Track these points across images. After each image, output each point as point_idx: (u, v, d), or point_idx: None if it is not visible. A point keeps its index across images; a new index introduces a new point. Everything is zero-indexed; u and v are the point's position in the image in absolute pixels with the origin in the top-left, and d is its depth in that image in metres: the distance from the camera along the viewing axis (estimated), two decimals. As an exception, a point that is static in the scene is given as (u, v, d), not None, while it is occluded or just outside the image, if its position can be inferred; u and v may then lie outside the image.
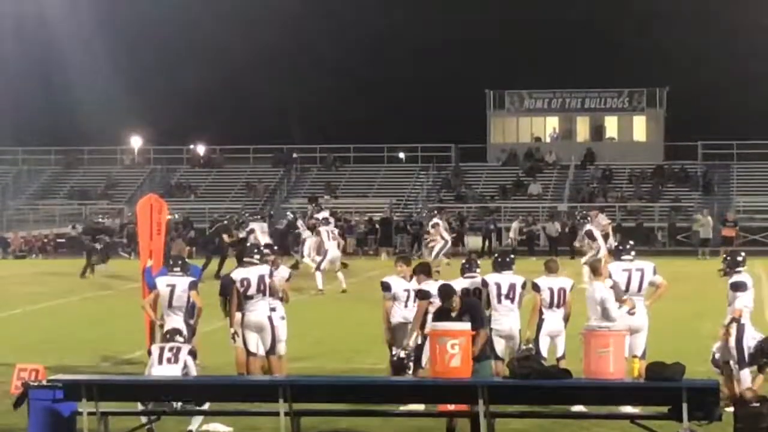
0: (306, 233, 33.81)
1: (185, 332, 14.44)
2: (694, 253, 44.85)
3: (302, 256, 34.11)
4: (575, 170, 59.14)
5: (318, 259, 30.33)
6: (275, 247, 18.16)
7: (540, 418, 12.70)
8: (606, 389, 11.76)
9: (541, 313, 14.86)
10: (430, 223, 36.76)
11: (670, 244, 50.50)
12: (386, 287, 14.92)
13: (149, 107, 69.13)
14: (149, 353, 13.29)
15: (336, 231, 32.65)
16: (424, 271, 14.75)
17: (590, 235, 30.17)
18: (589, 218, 32.25)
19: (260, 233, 34.47)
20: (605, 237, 41.87)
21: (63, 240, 51.47)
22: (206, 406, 12.79)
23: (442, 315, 13.11)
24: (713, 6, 69.41)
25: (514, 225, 48.83)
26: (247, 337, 15.11)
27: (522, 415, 12.32)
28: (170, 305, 15.24)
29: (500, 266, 14.93)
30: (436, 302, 14.13)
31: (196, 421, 13.00)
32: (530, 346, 14.64)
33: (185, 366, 12.97)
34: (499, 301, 14.67)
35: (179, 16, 69.08)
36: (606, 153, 60.00)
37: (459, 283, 14.42)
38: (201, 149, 66.37)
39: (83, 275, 35.83)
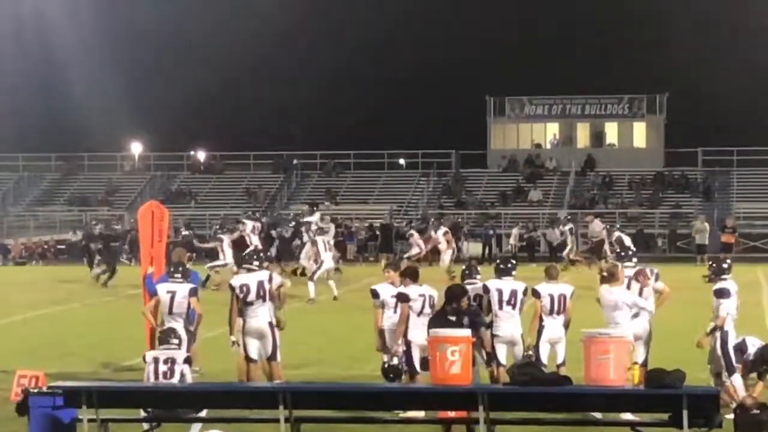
0: (306, 238, 33.77)
1: (181, 334, 14.41)
2: (695, 259, 44.86)
3: (298, 260, 34.16)
4: (575, 177, 59.16)
5: (314, 267, 30.18)
6: (267, 253, 18.16)
7: (540, 425, 12.67)
8: (606, 396, 11.75)
9: (541, 319, 14.89)
10: (441, 231, 36.70)
11: (670, 251, 50.50)
12: (374, 294, 15.01)
13: (149, 114, 69.20)
14: (144, 359, 13.23)
15: (332, 242, 32.49)
16: (410, 274, 14.78)
17: (620, 241, 29.89)
18: (617, 226, 32.21)
19: (251, 233, 34.50)
20: (600, 244, 42.06)
21: (63, 246, 51.46)
22: (204, 413, 12.78)
23: (440, 319, 13.17)
24: (714, 13, 69.49)
25: (515, 231, 48.79)
26: (247, 344, 15.07)
27: (522, 422, 12.30)
28: (170, 312, 15.25)
29: (501, 272, 14.95)
30: (416, 306, 14.22)
31: (196, 428, 13.00)
32: (530, 352, 14.68)
33: (182, 376, 12.95)
34: (501, 308, 14.70)
35: (180, 22, 69.12)
36: (606, 159, 60.01)
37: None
38: (201, 155, 66.40)
39: (105, 283, 35.18)
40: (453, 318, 13.35)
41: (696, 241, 45.94)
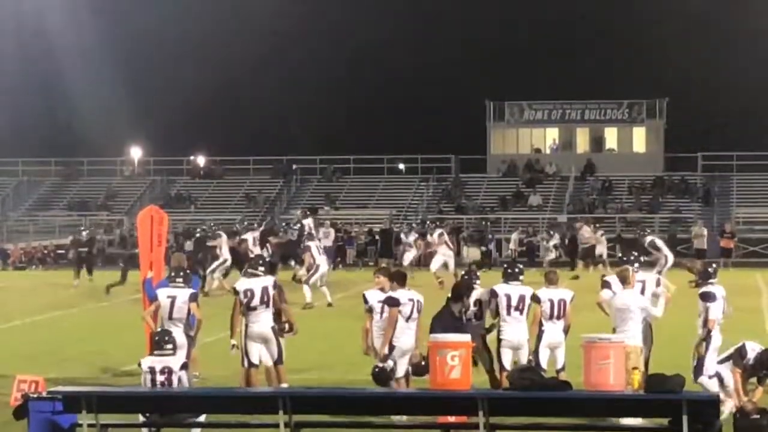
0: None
1: (179, 338, 14.39)
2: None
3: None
4: (575, 181, 59.16)
5: (308, 272, 29.86)
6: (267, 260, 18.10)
7: (540, 430, 12.67)
8: (606, 401, 11.76)
9: (540, 324, 14.91)
10: (436, 233, 36.55)
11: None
12: (364, 300, 15.02)
13: (149, 118, 69.21)
14: (139, 365, 13.14)
15: (322, 247, 32.26)
16: (398, 278, 14.80)
17: (653, 245, 29.60)
18: (648, 231, 32.10)
19: (251, 245, 34.45)
20: (590, 249, 42.00)
21: (63, 251, 51.43)
22: (202, 418, 12.77)
23: (446, 316, 13.35)
24: (713, 17, 69.51)
25: (514, 236, 48.80)
26: (249, 348, 15.02)
27: (522, 427, 12.30)
28: (170, 317, 15.24)
29: (509, 277, 15.00)
30: (405, 311, 14.27)
31: (196, 432, 13.00)
32: (530, 357, 14.71)
33: (179, 382, 12.93)
34: (509, 312, 14.77)
35: (180, 27, 69.15)
36: (606, 164, 60.02)
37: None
38: (201, 160, 66.40)
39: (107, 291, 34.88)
40: (458, 315, 13.60)
41: (695, 245, 45.98)
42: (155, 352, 13.16)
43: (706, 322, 14.51)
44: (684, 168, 59.62)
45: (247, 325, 14.98)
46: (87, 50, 65.13)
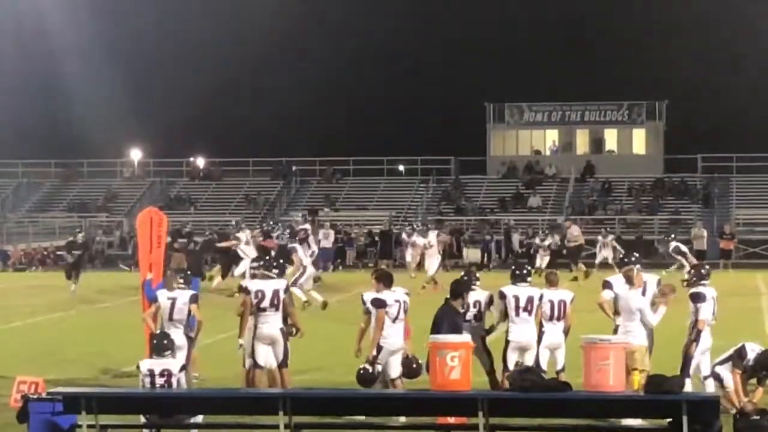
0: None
1: (179, 340, 14.39)
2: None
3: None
4: (575, 183, 59.14)
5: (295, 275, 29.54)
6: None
7: (540, 431, 12.68)
8: (606, 402, 11.76)
9: (541, 325, 14.94)
10: (432, 235, 36.50)
11: (670, 257, 50.39)
12: (363, 301, 15.08)
13: (149, 120, 69.22)
14: (138, 368, 13.12)
15: (310, 251, 31.99)
16: (383, 279, 14.81)
17: (678, 250, 29.45)
18: (673, 236, 32.00)
19: (244, 245, 34.40)
20: (578, 248, 41.75)
21: (62, 253, 51.39)
22: (200, 419, 12.76)
23: (450, 312, 13.42)
24: (713, 19, 69.53)
25: (514, 238, 48.80)
26: (256, 350, 15.03)
27: (522, 428, 12.31)
28: (171, 318, 15.25)
29: (517, 278, 15.03)
30: (391, 312, 14.31)
31: (195, 434, 13.00)
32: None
33: (178, 385, 12.93)
34: (517, 314, 14.81)
35: (179, 29, 69.18)
36: (605, 166, 60.00)
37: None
38: (200, 162, 66.37)
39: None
40: (463, 311, 13.83)
41: (694, 247, 45.99)
42: (154, 355, 13.17)
43: (695, 322, 14.56)
44: (684, 169, 59.60)
45: (256, 327, 14.98)
46: (87, 51, 65.12)
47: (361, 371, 14.34)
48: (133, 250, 46.08)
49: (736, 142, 59.49)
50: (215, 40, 73.30)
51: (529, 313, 14.81)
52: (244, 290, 15.45)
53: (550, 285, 15.14)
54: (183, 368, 13.11)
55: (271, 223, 42.40)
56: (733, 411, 13.52)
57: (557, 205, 57.42)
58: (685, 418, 11.21)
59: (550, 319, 14.91)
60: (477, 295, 15.16)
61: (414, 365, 14.51)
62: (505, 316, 14.91)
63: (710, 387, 14.34)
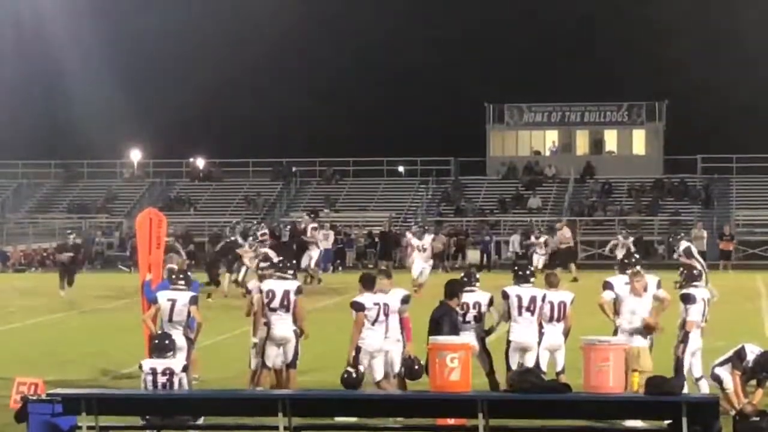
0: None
1: (179, 341, 14.39)
2: (694, 266, 44.78)
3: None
4: (574, 184, 59.15)
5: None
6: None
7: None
8: (606, 403, 11.76)
9: (541, 326, 14.91)
10: (428, 237, 36.45)
11: (670, 258, 50.36)
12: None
13: (149, 121, 69.18)
14: (140, 368, 13.15)
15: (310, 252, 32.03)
16: (365, 282, 14.84)
17: (688, 252, 29.12)
18: (682, 234, 31.76)
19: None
20: (567, 250, 41.65)
21: (53, 254, 51.37)
22: (200, 420, 12.76)
23: (448, 312, 13.60)
24: (713, 20, 69.53)
25: (514, 238, 48.78)
26: (267, 351, 15.06)
27: (521, 429, 12.30)
28: (170, 319, 15.23)
29: (520, 279, 15.01)
30: (370, 315, 14.32)
31: (195, 436, 12.99)
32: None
33: (180, 385, 12.93)
34: (520, 314, 14.80)
35: (179, 30, 69.14)
36: (605, 166, 60.01)
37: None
38: (200, 163, 66.38)
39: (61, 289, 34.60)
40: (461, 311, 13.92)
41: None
42: (155, 355, 13.16)
43: (684, 323, 14.56)
44: (683, 170, 59.61)
45: (268, 328, 15.00)
46: (87, 52, 65.11)
47: (345, 375, 14.35)
48: (131, 251, 45.96)
49: (736, 143, 59.48)
50: (215, 40, 73.31)
51: (532, 313, 14.79)
52: (253, 289, 15.57)
53: (550, 286, 15.13)
54: (185, 368, 13.11)
55: (256, 223, 42.39)
56: (733, 412, 13.51)
57: (557, 206, 57.42)
58: (684, 420, 11.21)
59: (550, 320, 14.90)
60: (477, 296, 15.13)
61: (416, 366, 14.50)
62: (507, 316, 14.90)
63: (704, 388, 14.33)
